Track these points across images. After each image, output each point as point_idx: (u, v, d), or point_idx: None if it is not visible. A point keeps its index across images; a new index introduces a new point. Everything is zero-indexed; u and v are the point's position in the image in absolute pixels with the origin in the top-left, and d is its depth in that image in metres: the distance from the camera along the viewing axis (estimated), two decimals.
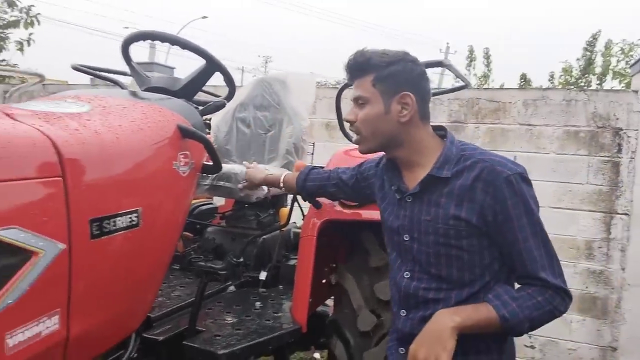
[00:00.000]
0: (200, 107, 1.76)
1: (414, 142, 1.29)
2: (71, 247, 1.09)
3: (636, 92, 3.65)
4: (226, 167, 2.05)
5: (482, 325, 1.16)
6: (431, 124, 1.34)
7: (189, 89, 1.76)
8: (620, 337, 3.62)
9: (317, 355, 3.64)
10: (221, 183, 2.16)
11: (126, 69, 1.96)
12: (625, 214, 3.60)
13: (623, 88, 6.90)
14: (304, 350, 3.21)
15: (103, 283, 1.24)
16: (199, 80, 1.75)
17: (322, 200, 1.97)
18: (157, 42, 1.76)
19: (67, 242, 1.08)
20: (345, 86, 2.31)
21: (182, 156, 1.49)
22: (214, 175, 2.13)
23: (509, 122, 3.88)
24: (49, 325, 1.07)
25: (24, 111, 1.18)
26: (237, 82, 1.86)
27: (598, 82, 7.76)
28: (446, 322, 1.14)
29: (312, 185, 1.76)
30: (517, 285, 1.25)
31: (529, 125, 3.83)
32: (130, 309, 1.42)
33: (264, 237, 2.42)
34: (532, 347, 3.79)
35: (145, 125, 1.39)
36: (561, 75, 8.30)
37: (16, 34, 7.15)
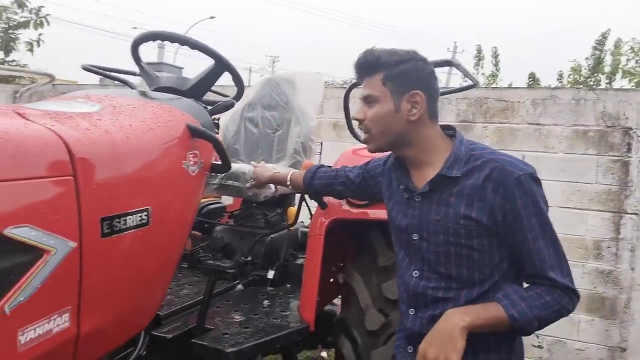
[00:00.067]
0: (209, 107, 1.77)
1: (423, 141, 1.29)
2: (82, 245, 1.10)
3: None
4: (235, 166, 2.05)
5: (492, 324, 1.16)
6: (439, 123, 1.34)
7: (198, 89, 1.77)
8: (629, 337, 3.59)
9: (324, 354, 3.64)
10: (230, 182, 2.17)
11: (135, 69, 1.97)
12: (635, 214, 3.58)
13: (633, 87, 6.84)
14: (311, 349, 3.21)
15: (113, 281, 1.25)
16: (208, 80, 1.76)
17: (330, 199, 1.97)
18: (165, 43, 1.77)
19: (78, 241, 1.09)
20: (353, 86, 2.31)
21: (192, 155, 1.50)
22: (223, 175, 2.14)
23: (518, 121, 3.86)
24: (60, 322, 1.08)
25: (35, 111, 1.19)
26: (244, 82, 1.87)
27: (607, 81, 7.70)
28: (456, 321, 1.14)
29: (319, 183, 1.76)
30: (525, 284, 1.25)
31: (538, 124, 3.81)
32: (139, 307, 1.44)
33: (272, 236, 2.43)
34: (540, 346, 3.78)
35: (155, 125, 1.40)
36: (570, 75, 8.24)
37: (26, 35, 7.21)
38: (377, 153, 1.42)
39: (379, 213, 1.84)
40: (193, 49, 1.68)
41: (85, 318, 1.14)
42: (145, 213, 1.30)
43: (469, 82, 2.40)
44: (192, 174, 1.50)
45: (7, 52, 7.25)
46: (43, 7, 7.20)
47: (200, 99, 1.78)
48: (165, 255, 1.48)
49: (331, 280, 2.22)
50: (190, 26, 25.08)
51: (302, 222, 2.62)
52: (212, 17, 28.08)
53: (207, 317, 1.83)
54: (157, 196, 1.37)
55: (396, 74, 1.26)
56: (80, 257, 1.10)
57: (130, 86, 2.22)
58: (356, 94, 2.52)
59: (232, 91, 1.86)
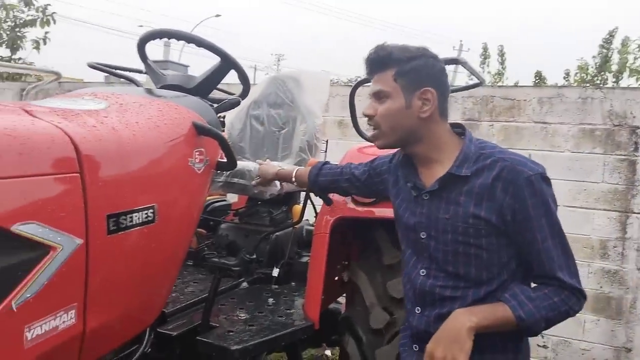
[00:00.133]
0: (215, 105, 1.77)
1: (432, 138, 1.28)
2: (88, 242, 1.11)
3: None
4: (240, 164, 2.06)
5: (499, 324, 1.16)
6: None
7: (204, 87, 1.77)
8: (635, 337, 3.57)
9: (328, 352, 3.65)
10: (235, 180, 2.18)
11: (141, 66, 1.98)
12: None
13: None
14: (316, 347, 3.21)
15: (119, 278, 1.25)
16: (214, 78, 1.76)
17: (335, 197, 1.97)
18: (171, 41, 1.78)
19: (84, 238, 1.10)
20: (359, 84, 2.31)
21: (198, 153, 1.50)
22: (228, 172, 2.14)
23: (524, 120, 3.84)
24: (66, 319, 1.09)
25: (42, 108, 1.19)
26: (249, 80, 1.87)
27: (614, 79, 7.65)
28: (464, 322, 1.14)
29: (325, 180, 1.76)
30: (532, 284, 1.25)
31: (544, 123, 3.79)
32: (145, 304, 1.44)
33: (277, 234, 2.43)
34: (545, 346, 3.76)
35: (162, 123, 1.40)
36: (577, 73, 8.19)
37: (32, 33, 7.24)
38: (382, 150, 1.41)
39: (384, 211, 1.84)
40: (199, 46, 1.68)
41: (91, 315, 1.15)
42: (151, 210, 1.30)
43: (475, 81, 2.39)
44: (197, 171, 1.51)
45: (14, 50, 7.29)
46: (49, 5, 7.24)
47: (206, 97, 1.78)
48: (170, 253, 1.48)
49: (336, 278, 2.22)
50: (196, 24, 25.13)
51: (307, 220, 2.62)
52: (217, 15, 28.11)
53: (212, 315, 1.84)
54: (163, 193, 1.37)
55: (408, 70, 1.25)
56: (86, 254, 1.11)
57: (136, 84, 2.22)
58: (362, 92, 2.52)
59: (238, 89, 1.86)
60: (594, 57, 8.21)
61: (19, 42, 7.25)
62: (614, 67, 7.81)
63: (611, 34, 8.25)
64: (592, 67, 8.13)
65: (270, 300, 2.13)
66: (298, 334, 1.91)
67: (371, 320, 1.87)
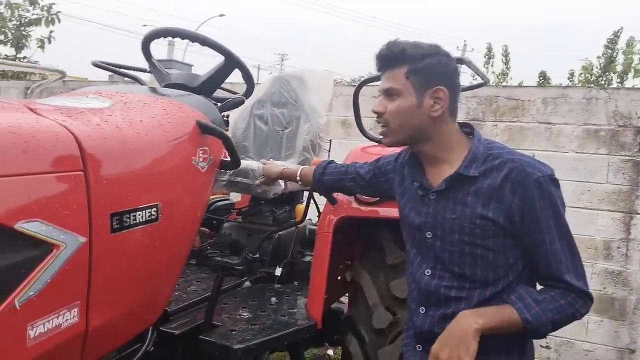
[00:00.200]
0: (219, 104, 1.77)
1: (441, 137, 1.27)
2: (92, 240, 1.11)
3: None
4: (244, 163, 2.06)
5: (505, 327, 1.16)
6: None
7: (208, 86, 1.77)
8: (638, 339, 3.56)
9: (330, 352, 3.65)
10: (239, 179, 2.17)
11: (145, 65, 1.98)
12: None
13: None
14: (318, 347, 3.21)
15: (122, 277, 1.25)
16: (218, 77, 1.76)
17: (339, 197, 1.97)
18: (176, 40, 1.78)
19: (87, 236, 1.10)
20: (363, 83, 2.31)
21: (201, 152, 1.50)
22: (232, 171, 2.14)
23: (528, 120, 3.83)
24: (69, 317, 1.09)
25: (47, 106, 1.19)
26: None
27: (619, 80, 7.61)
28: (469, 323, 1.14)
29: (329, 179, 1.75)
30: (538, 286, 1.24)
31: (548, 123, 3.78)
32: (148, 303, 1.44)
33: (280, 233, 2.43)
34: (548, 347, 3.75)
35: (166, 121, 1.40)
36: (581, 74, 8.16)
37: (37, 32, 7.27)
38: (386, 150, 1.41)
39: (387, 211, 1.84)
40: (203, 45, 1.68)
41: (94, 313, 1.15)
42: (154, 209, 1.30)
43: (480, 80, 2.39)
44: (201, 170, 1.51)
45: (19, 49, 7.31)
46: (54, 4, 7.26)
47: (210, 96, 1.78)
48: (174, 251, 1.48)
49: (339, 278, 2.21)
50: (200, 24, 25.15)
51: (310, 219, 2.62)
52: (221, 15, 28.13)
53: (214, 314, 1.84)
54: (166, 192, 1.37)
55: (421, 68, 1.23)
56: (89, 252, 1.11)
57: (141, 83, 2.22)
58: (365, 92, 2.52)
59: (242, 88, 1.86)
60: (598, 57, 8.17)
61: (24, 41, 7.28)
62: (619, 68, 7.77)
63: (616, 34, 8.21)
64: (596, 68, 8.09)
65: (273, 299, 2.13)
66: (300, 334, 1.91)
67: (374, 320, 1.87)
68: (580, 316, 1.19)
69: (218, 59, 1.74)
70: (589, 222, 3.63)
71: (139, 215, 1.25)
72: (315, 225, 2.37)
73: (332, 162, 1.80)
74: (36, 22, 7.22)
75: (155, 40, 1.77)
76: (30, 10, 7.32)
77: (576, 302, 1.17)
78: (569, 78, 8.32)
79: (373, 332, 1.87)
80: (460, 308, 1.21)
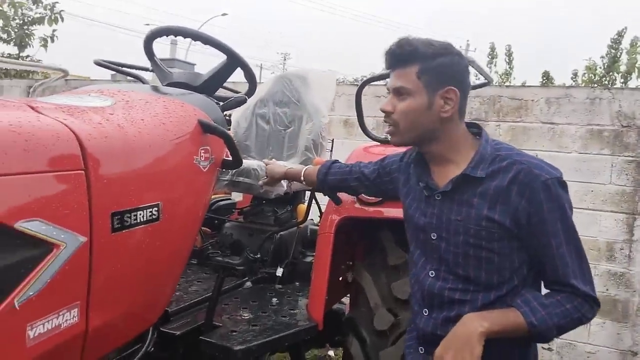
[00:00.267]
0: (221, 103, 1.76)
1: (450, 138, 1.26)
2: (92, 240, 1.10)
3: None
4: (246, 162, 2.05)
5: (510, 330, 1.14)
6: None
7: (210, 85, 1.76)
8: None
9: (331, 353, 3.64)
10: (240, 179, 2.17)
11: (147, 64, 1.97)
12: None
13: None
14: (319, 348, 3.21)
15: (122, 277, 1.24)
16: (220, 75, 1.75)
17: (341, 196, 1.96)
18: (178, 39, 1.77)
19: (88, 235, 1.09)
20: (365, 83, 2.30)
21: (203, 151, 1.49)
22: (234, 171, 2.14)
23: (531, 120, 3.82)
24: (69, 318, 1.08)
25: (48, 104, 1.19)
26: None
27: (623, 80, 7.59)
28: (474, 326, 1.12)
29: (334, 179, 1.73)
30: (544, 290, 1.22)
31: (552, 123, 3.77)
32: (148, 303, 1.43)
33: (282, 233, 2.42)
34: (550, 349, 3.74)
35: (167, 120, 1.39)
36: (585, 74, 8.14)
37: (40, 31, 7.28)
38: (389, 150, 1.40)
39: (389, 212, 1.83)
40: (205, 44, 1.68)
41: (94, 313, 1.14)
42: (155, 208, 1.29)
43: (483, 80, 2.38)
44: (203, 169, 1.50)
45: (22, 47, 7.32)
46: (58, 2, 7.27)
47: (212, 95, 1.78)
48: (175, 251, 1.47)
49: (340, 278, 2.21)
50: (203, 23, 25.17)
51: (311, 219, 2.62)
52: (224, 14, 28.15)
53: (215, 314, 1.83)
54: (167, 191, 1.36)
55: (433, 67, 1.20)
56: (90, 252, 1.10)
57: (143, 81, 2.22)
58: (367, 92, 2.51)
59: (244, 87, 1.86)
60: (602, 57, 8.16)
61: (27, 39, 7.29)
62: (623, 68, 7.75)
63: (620, 34, 8.18)
64: (600, 68, 8.07)
65: (274, 300, 2.12)
66: (301, 335, 1.90)
67: (375, 321, 1.86)
68: (587, 321, 1.17)
69: (221, 58, 1.73)
70: (591, 223, 3.62)
71: (140, 214, 1.24)
72: (317, 225, 2.37)
73: (336, 161, 1.78)
74: (39, 20, 7.23)
75: (158, 39, 1.76)
76: (34, 9, 7.34)
77: (582, 306, 1.15)
78: (572, 78, 8.30)
79: (374, 333, 1.86)
80: (464, 311, 1.19)
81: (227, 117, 2.60)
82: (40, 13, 7.27)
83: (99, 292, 1.15)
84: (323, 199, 2.06)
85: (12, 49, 7.42)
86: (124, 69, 2.21)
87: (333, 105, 4.14)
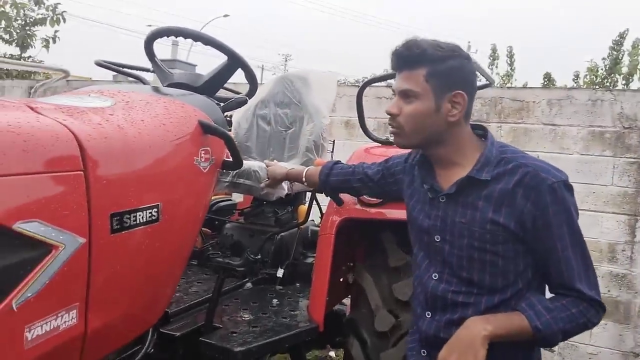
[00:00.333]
0: (222, 104, 1.75)
1: (455, 141, 1.24)
2: (91, 241, 1.09)
3: None
4: (246, 164, 2.05)
5: (514, 334, 1.13)
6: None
7: (211, 86, 1.76)
8: None
9: (332, 354, 3.63)
10: (241, 180, 2.16)
11: (148, 65, 1.97)
12: None
13: None
14: (320, 349, 3.20)
15: (122, 278, 1.24)
16: (221, 76, 1.75)
17: (342, 197, 1.95)
18: (179, 40, 1.77)
19: (87, 237, 1.08)
20: (367, 84, 2.29)
21: (203, 152, 1.49)
22: (234, 172, 2.13)
23: (533, 121, 3.82)
24: (67, 319, 1.07)
25: (47, 105, 1.18)
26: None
27: (625, 82, 7.59)
28: (478, 330, 1.11)
29: (336, 180, 1.72)
30: (548, 294, 1.21)
31: (553, 125, 3.76)
32: (148, 304, 1.43)
33: (282, 234, 2.41)
34: (552, 350, 3.73)
35: (168, 121, 1.39)
36: (586, 75, 8.13)
37: (42, 32, 7.29)
38: (391, 151, 1.39)
39: (391, 213, 1.83)
40: (206, 45, 1.67)
41: (93, 315, 1.13)
42: (155, 209, 1.29)
43: (484, 81, 2.37)
44: (203, 170, 1.49)
45: (24, 48, 7.34)
46: (60, 4, 7.28)
47: (213, 96, 1.77)
48: (175, 252, 1.47)
49: (341, 279, 2.20)
50: (204, 24, 25.19)
51: (312, 220, 2.61)
52: (226, 15, 28.16)
53: (215, 315, 1.83)
54: (167, 192, 1.36)
55: (441, 71, 1.18)
56: (89, 253, 1.09)
57: (143, 82, 2.21)
58: (369, 93, 2.50)
59: (245, 88, 1.85)
60: (604, 59, 8.15)
61: (28, 40, 7.31)
62: (625, 69, 7.74)
63: (622, 36, 8.18)
64: (602, 69, 8.07)
65: (275, 301, 2.12)
66: (302, 336, 1.89)
67: (376, 322, 1.85)
68: (592, 326, 1.16)
69: (222, 59, 1.73)
70: (593, 225, 3.61)
71: (140, 215, 1.23)
72: (318, 226, 2.36)
73: (338, 162, 1.77)
74: (41, 21, 7.25)
75: (159, 40, 1.76)
76: (36, 10, 7.35)
77: (588, 311, 1.14)
78: (574, 79, 8.29)
79: (375, 335, 1.86)
80: (467, 314, 1.18)
81: (228, 118, 2.59)
82: (42, 14, 7.28)
83: (98, 293, 1.14)
84: (324, 200, 2.06)
85: (14, 50, 7.44)
86: (125, 69, 2.21)
87: (334, 106, 4.14)
